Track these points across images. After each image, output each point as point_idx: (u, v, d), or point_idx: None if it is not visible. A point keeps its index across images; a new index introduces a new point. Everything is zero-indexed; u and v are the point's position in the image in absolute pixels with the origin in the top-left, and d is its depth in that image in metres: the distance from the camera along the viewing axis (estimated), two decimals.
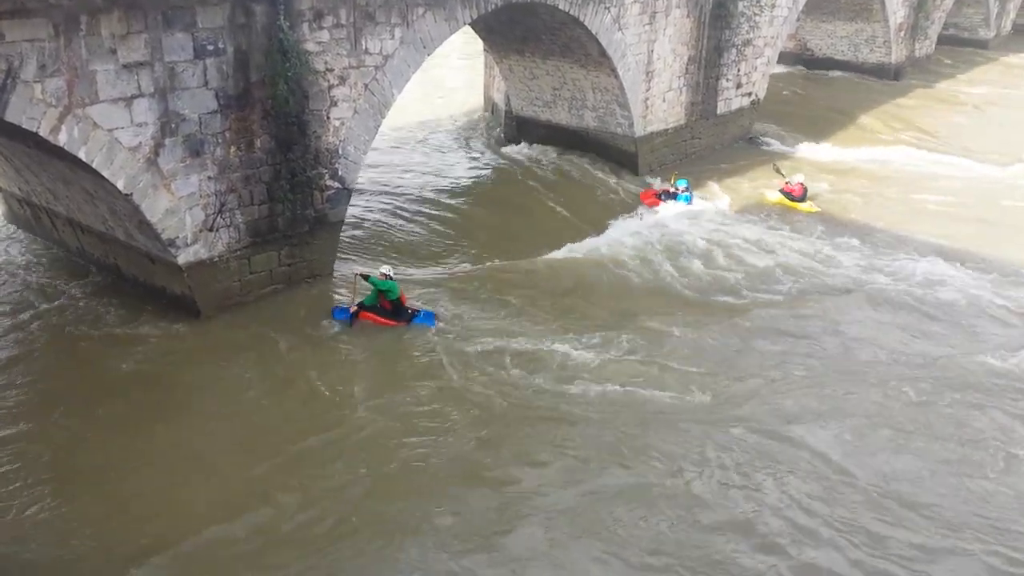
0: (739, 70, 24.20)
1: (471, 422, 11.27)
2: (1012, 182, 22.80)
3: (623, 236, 17.56)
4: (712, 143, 24.21)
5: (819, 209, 20.06)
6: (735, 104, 24.68)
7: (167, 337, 12.88)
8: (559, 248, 16.98)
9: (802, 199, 20.27)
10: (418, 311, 13.72)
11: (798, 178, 20.66)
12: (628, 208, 19.53)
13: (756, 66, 24.97)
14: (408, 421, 11.23)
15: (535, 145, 22.58)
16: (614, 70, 20.13)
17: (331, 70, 13.93)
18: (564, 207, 19.33)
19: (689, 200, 19.53)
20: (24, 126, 10.71)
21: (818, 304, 15.22)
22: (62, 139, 11.03)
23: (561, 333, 13.61)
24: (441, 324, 13.62)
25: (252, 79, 12.82)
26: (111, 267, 14.49)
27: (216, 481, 9.98)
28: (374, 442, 10.80)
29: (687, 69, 22.49)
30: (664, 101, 22.12)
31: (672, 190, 19.72)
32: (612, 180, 21.05)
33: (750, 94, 25.21)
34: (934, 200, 21.26)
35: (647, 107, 21.57)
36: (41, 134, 10.86)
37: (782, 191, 20.53)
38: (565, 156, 21.88)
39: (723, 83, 23.75)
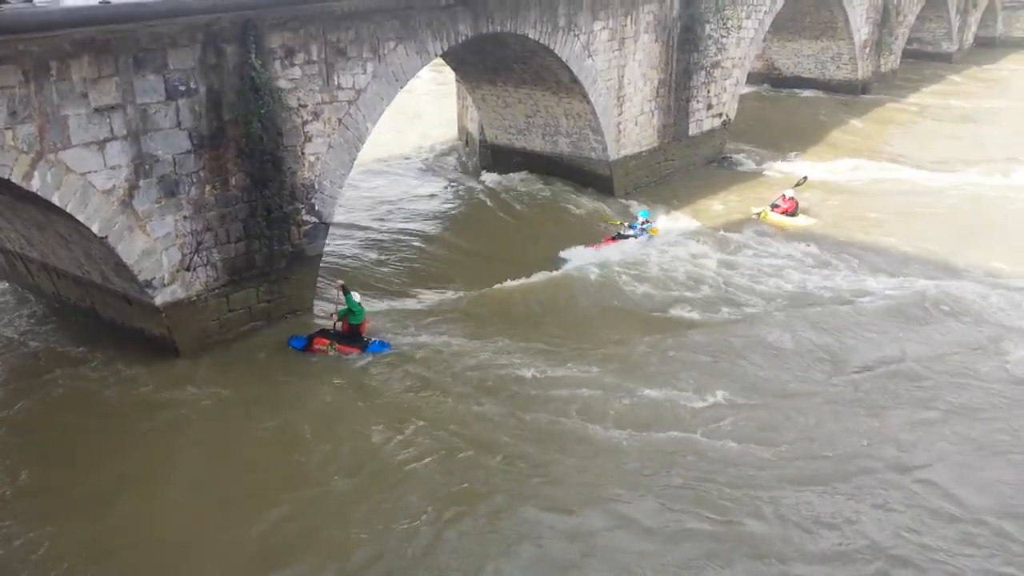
0: (709, 91, 24.57)
1: (489, 463, 10.96)
2: (995, 192, 23.11)
3: (601, 259, 17.59)
4: (685, 164, 24.53)
5: (814, 221, 20.21)
6: (706, 125, 25.01)
7: (148, 380, 12.76)
8: (538, 273, 16.96)
9: (794, 214, 20.45)
10: (371, 340, 13.73)
11: (788, 193, 20.89)
12: (605, 232, 19.64)
13: (725, 87, 25.34)
14: (406, 462, 11.02)
15: (510, 173, 22.73)
16: (586, 96, 20.36)
17: (304, 106, 13.99)
18: (541, 233, 19.41)
19: (649, 234, 19.03)
20: None
21: (819, 321, 15.14)
22: (35, 185, 10.99)
23: (551, 362, 13.57)
24: (395, 352, 13.61)
25: (225, 118, 12.85)
26: (88, 311, 14.38)
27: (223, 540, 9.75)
28: (384, 481, 10.62)
29: (658, 92, 22.78)
30: (636, 124, 22.38)
31: (627, 232, 18.81)
32: (588, 205, 21.23)
33: (721, 115, 25.54)
34: (915, 211, 21.57)
35: (620, 131, 21.81)
36: (13, 180, 10.81)
37: (773, 208, 20.68)
38: (541, 183, 22.07)
39: (694, 105, 24.09)
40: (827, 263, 18.02)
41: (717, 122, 25.42)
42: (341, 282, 14.13)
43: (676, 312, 15.66)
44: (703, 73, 23.92)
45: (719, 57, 24.43)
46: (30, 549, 9.33)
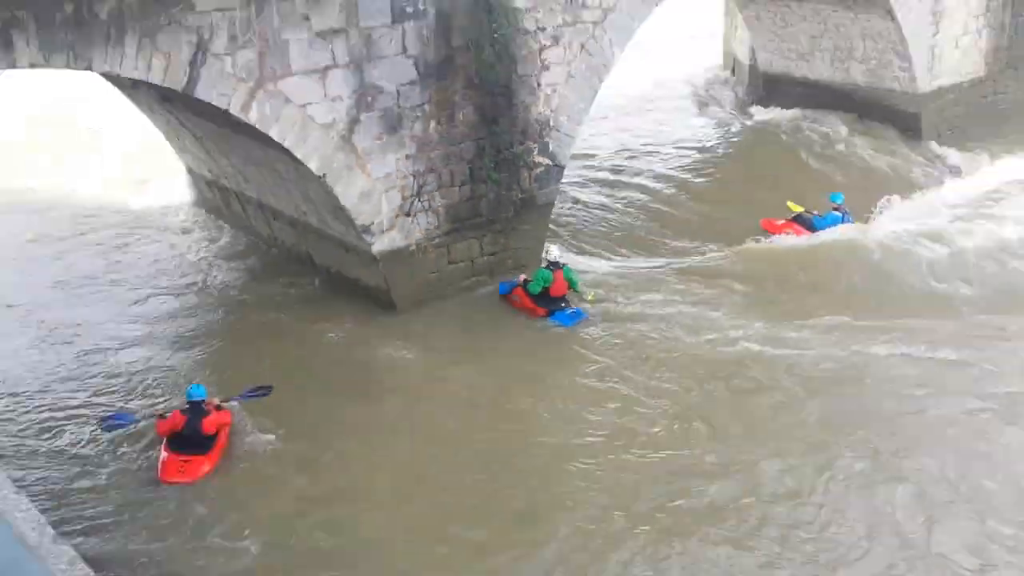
0: None
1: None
2: None
3: (892, 221, 16.22)
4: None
5: None
6: None
7: (362, 333, 13.43)
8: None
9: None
10: (562, 308, 13.60)
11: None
12: (906, 185, 18.26)
13: None
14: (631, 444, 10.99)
15: (787, 107, 21.67)
16: (890, 11, 18.84)
17: (543, 29, 13.99)
18: (821, 185, 18.24)
19: (842, 222, 16.25)
20: (214, 103, 11.56)
21: None
22: (253, 116, 11.79)
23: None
24: (594, 322, 13.55)
25: (454, 44, 13.12)
26: (304, 256, 15.35)
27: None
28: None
29: (988, 7, 20.55)
30: (957, 47, 20.35)
31: (813, 217, 16.45)
32: (885, 151, 19.76)
33: None
34: None
35: (934, 56, 19.94)
36: (232, 112, 11.67)
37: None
38: (825, 120, 20.87)
39: None
40: None
41: None
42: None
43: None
44: None
45: None
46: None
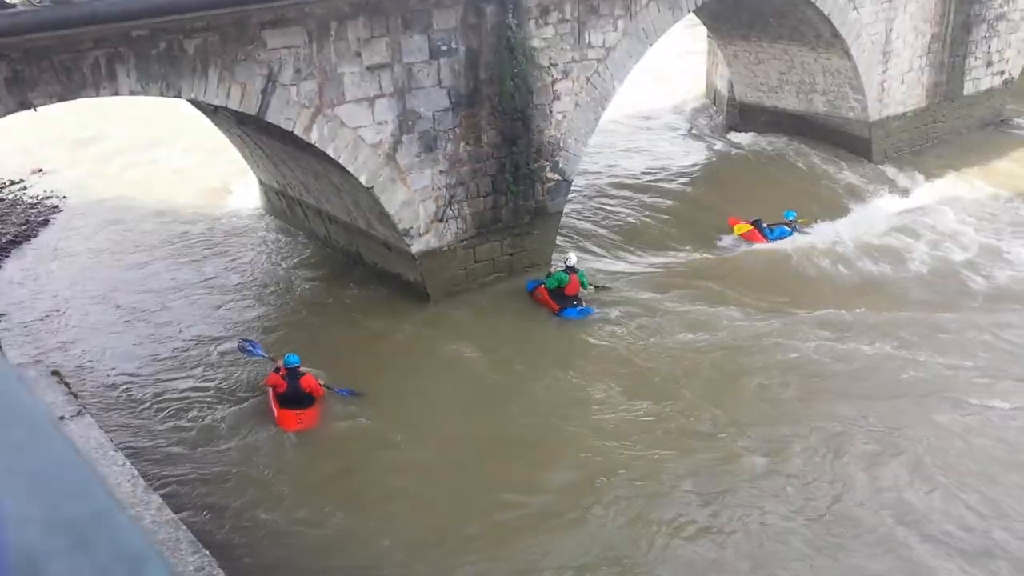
0: (990, 47, 21.51)
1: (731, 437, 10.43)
2: None
3: (849, 228, 16.22)
4: (957, 127, 21.77)
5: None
6: (984, 84, 21.99)
7: (404, 320, 13.37)
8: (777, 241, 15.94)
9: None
10: (574, 305, 13.33)
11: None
12: (857, 200, 18.10)
13: (1010, 42, 22.09)
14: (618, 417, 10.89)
15: (759, 133, 21.39)
16: (847, 51, 18.56)
17: (555, 65, 13.83)
18: (783, 197, 17.86)
19: (791, 235, 16.06)
20: (282, 125, 11.52)
21: None
22: (314, 137, 11.74)
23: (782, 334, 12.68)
24: (600, 316, 13.37)
25: (481, 77, 12.99)
26: (354, 254, 15.28)
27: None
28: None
29: (930, 47, 20.31)
30: (903, 83, 20.13)
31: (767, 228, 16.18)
32: (841, 169, 19.49)
33: (1002, 72, 22.34)
34: None
35: (883, 89, 19.73)
36: (296, 132, 11.63)
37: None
38: (790, 143, 20.51)
39: (971, 61, 21.22)
40: None
41: (998, 81, 22.29)
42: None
43: (918, 294, 14.10)
44: (984, 26, 20.98)
45: (1005, 8, 21.30)
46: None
